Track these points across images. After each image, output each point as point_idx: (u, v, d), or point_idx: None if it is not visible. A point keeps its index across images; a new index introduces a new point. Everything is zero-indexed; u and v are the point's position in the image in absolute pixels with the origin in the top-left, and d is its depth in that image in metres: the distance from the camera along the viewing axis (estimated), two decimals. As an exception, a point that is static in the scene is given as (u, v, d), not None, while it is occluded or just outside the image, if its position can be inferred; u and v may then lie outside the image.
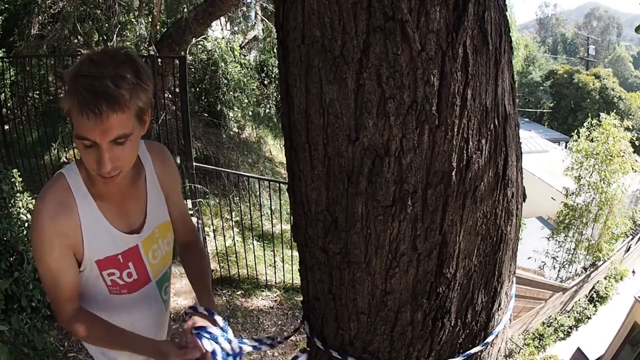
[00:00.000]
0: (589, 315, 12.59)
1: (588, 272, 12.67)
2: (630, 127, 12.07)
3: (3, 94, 5.54)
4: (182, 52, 6.35)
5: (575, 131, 12.58)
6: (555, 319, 11.79)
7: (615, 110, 15.87)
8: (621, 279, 14.19)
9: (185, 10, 6.87)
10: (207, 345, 1.16)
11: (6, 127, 5.40)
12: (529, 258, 11.78)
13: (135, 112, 1.04)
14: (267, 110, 9.54)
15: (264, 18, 9.44)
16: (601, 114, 12.22)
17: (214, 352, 1.15)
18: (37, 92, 5.70)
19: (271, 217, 6.44)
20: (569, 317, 12.08)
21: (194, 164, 4.45)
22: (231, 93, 7.76)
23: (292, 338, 4.34)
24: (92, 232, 1.14)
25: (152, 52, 6.09)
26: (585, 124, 12.25)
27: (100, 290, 1.24)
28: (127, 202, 1.22)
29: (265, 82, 9.87)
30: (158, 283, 1.35)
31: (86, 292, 1.25)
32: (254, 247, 5.35)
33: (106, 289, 1.24)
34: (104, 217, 1.16)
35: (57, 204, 1.09)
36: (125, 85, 0.99)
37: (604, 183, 11.57)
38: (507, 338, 1.45)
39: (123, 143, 1.04)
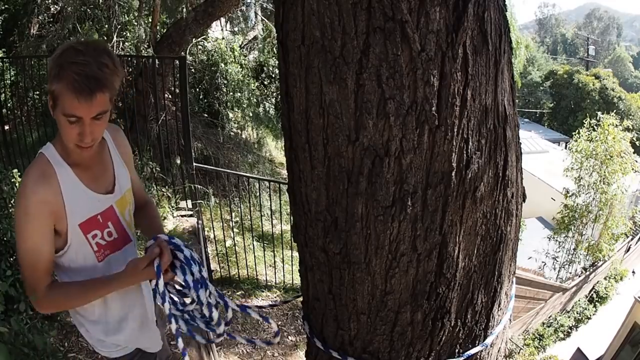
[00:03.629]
0: (589, 316, 12.58)
1: (588, 273, 12.67)
2: (630, 127, 12.07)
3: (3, 94, 5.55)
4: (182, 53, 6.34)
5: (576, 131, 12.58)
6: (555, 319, 11.79)
7: (615, 111, 15.86)
8: (621, 279, 14.19)
9: (185, 10, 6.87)
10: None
11: (6, 127, 5.41)
12: (529, 258, 11.78)
13: (111, 93, 1.23)
14: (267, 111, 9.54)
15: (263, 18, 9.45)
16: (599, 113, 12.20)
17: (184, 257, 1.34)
18: (37, 92, 5.71)
19: (271, 217, 6.44)
20: (569, 317, 12.08)
21: (194, 164, 4.44)
22: (231, 93, 7.75)
23: (292, 338, 4.33)
24: (72, 196, 1.27)
25: (152, 53, 6.10)
26: (585, 124, 12.24)
27: (89, 261, 1.35)
28: (98, 168, 1.39)
29: (265, 82, 9.87)
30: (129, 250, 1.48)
31: (75, 270, 1.34)
32: (254, 247, 5.35)
33: (94, 258, 1.35)
34: (80, 182, 1.30)
35: (38, 175, 1.23)
36: (107, 71, 1.19)
37: (603, 183, 11.57)
38: (507, 338, 1.45)
39: (100, 119, 1.23)
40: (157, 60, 5.27)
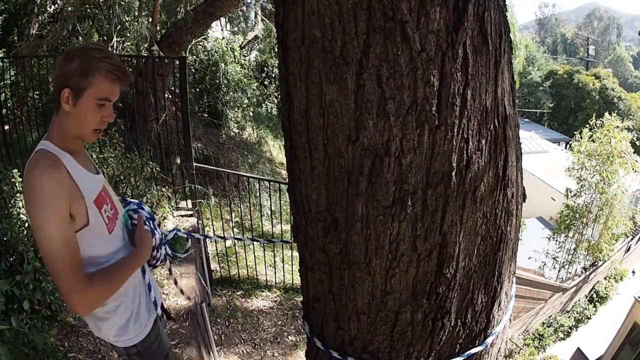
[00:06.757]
0: (589, 316, 12.59)
1: (588, 273, 12.67)
2: (630, 127, 12.06)
3: (3, 94, 5.54)
4: (182, 53, 6.35)
5: (578, 131, 12.57)
6: (555, 319, 11.79)
7: (615, 111, 15.84)
8: (621, 279, 14.19)
9: (185, 10, 6.88)
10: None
11: (6, 127, 5.41)
12: (529, 258, 11.77)
13: None
14: (268, 111, 9.54)
15: (263, 18, 9.46)
16: (606, 114, 12.19)
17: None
18: (37, 92, 5.71)
19: (271, 217, 6.44)
20: (569, 317, 12.08)
21: (194, 164, 4.44)
22: (231, 93, 7.76)
23: (292, 338, 4.33)
24: (79, 177, 1.36)
25: (153, 53, 6.09)
26: (589, 124, 12.23)
27: (103, 235, 1.44)
28: (84, 155, 1.51)
29: (266, 82, 9.87)
30: (122, 217, 1.63)
31: (95, 246, 1.41)
32: (254, 247, 5.35)
33: (107, 231, 1.45)
34: (80, 165, 1.40)
35: (48, 164, 1.30)
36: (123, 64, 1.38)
37: (604, 183, 11.56)
38: (507, 338, 1.45)
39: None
40: (157, 60, 5.27)
